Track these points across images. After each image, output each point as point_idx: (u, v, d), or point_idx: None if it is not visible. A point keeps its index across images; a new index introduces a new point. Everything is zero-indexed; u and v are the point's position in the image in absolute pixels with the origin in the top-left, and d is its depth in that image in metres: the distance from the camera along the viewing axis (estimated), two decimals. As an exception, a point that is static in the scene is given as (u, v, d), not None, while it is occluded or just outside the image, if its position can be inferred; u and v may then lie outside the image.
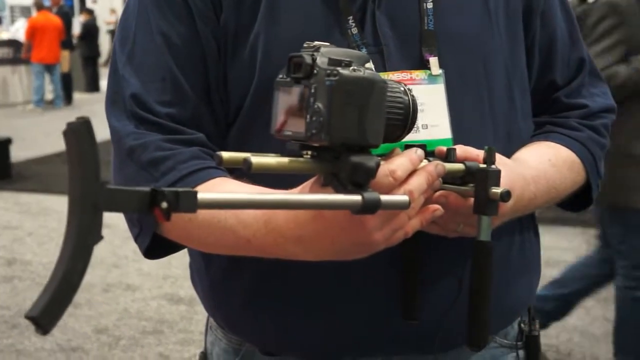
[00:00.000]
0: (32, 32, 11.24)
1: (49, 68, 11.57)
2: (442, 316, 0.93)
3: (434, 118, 0.91)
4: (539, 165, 0.95)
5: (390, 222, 0.75)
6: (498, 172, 0.82)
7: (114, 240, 4.50)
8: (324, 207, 0.69)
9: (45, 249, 4.58)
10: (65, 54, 11.90)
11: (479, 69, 0.95)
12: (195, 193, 0.59)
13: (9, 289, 3.89)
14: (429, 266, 0.91)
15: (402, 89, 0.76)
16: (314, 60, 0.70)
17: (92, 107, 12.42)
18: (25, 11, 14.65)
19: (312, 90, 0.69)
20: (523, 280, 1.02)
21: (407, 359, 0.96)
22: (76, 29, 13.34)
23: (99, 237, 0.56)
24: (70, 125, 0.55)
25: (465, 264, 0.90)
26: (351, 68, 0.69)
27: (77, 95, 12.76)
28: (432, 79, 0.92)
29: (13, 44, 12.18)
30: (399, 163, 0.75)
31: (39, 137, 8.31)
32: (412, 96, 0.76)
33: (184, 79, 0.91)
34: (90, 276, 4.09)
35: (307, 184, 0.77)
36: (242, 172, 0.86)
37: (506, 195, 0.81)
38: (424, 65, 0.92)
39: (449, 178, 0.82)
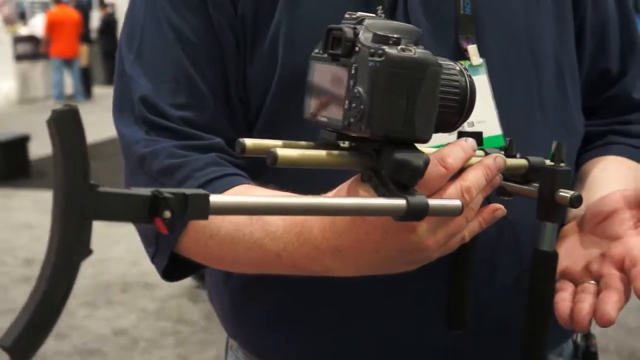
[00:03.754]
0: (51, 26, 11.23)
1: (68, 62, 11.58)
2: (497, 332, 0.83)
3: (480, 113, 0.80)
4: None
5: (444, 225, 0.64)
6: (567, 172, 0.70)
7: (133, 237, 4.43)
8: (359, 212, 0.58)
9: (64, 248, 4.53)
10: (84, 48, 11.91)
11: (525, 56, 0.84)
12: (207, 196, 0.49)
13: (28, 290, 3.84)
14: (479, 277, 0.80)
15: (458, 68, 0.64)
16: (356, 35, 0.59)
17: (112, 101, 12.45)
18: (45, 6, 14.68)
19: (353, 71, 0.58)
20: None
21: None
22: (94, 22, 13.34)
23: (87, 251, 0.47)
24: (53, 114, 0.45)
25: (520, 272, 0.81)
26: (400, 47, 0.57)
27: (97, 90, 12.78)
28: (472, 70, 0.80)
29: (32, 39, 12.21)
30: (450, 150, 0.63)
31: (59, 132, 8.29)
32: (469, 76, 0.64)
33: (200, 78, 0.81)
34: (109, 275, 4.03)
35: (344, 185, 0.65)
36: (269, 179, 0.77)
37: (576, 201, 0.68)
38: (462, 55, 0.80)
39: (508, 175, 0.70)
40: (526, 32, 0.84)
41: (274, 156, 0.57)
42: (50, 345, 3.20)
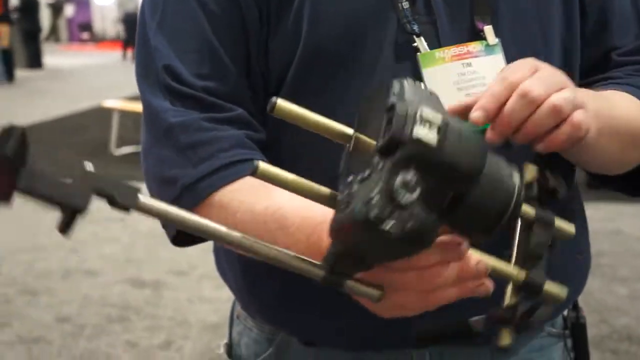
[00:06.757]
0: (-32, 5, 10.73)
1: (-13, 44, 11.09)
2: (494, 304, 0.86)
3: None
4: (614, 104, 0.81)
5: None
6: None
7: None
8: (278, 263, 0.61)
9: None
10: (5, 29, 11.40)
11: (537, 39, 0.86)
12: (137, 191, 0.52)
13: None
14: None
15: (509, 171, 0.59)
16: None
17: (36, 84, 11.98)
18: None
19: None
20: (577, 263, 0.94)
21: (461, 351, 0.88)
22: (13, 1, 12.78)
23: None
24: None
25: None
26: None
27: (19, 72, 12.29)
28: (489, 49, 0.83)
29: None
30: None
31: (-19, 116, 7.95)
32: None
33: (223, 49, 0.82)
34: (48, 262, 3.92)
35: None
36: (285, 153, 0.79)
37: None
38: (478, 36, 0.83)
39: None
40: (537, 16, 0.85)
41: (254, 168, 0.58)
42: (-10, 334, 3.10)
